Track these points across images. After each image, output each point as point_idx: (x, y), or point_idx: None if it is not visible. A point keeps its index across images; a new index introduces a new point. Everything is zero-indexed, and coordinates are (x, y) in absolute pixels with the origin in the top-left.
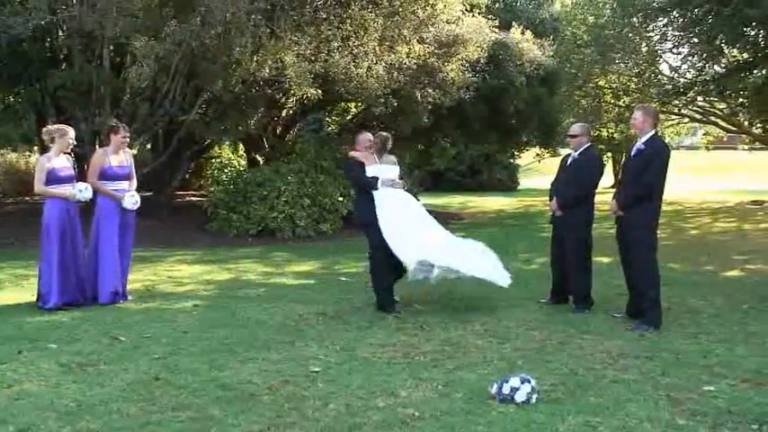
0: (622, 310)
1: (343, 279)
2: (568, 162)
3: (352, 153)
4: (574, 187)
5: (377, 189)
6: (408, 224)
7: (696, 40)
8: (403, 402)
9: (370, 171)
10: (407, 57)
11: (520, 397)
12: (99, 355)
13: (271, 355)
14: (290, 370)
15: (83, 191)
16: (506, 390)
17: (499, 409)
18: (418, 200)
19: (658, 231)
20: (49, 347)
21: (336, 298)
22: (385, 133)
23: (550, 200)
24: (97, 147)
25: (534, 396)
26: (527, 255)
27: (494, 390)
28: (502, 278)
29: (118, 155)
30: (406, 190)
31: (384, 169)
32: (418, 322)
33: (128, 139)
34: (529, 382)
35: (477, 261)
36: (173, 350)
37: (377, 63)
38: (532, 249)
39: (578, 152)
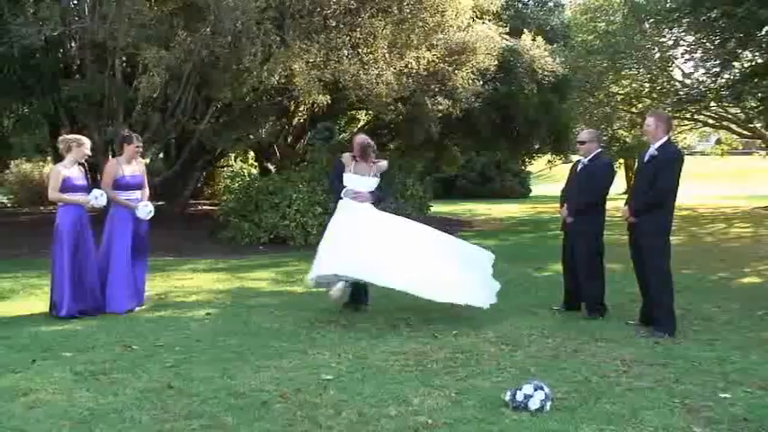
0: (636, 317)
1: None
2: (579, 168)
3: (345, 154)
4: (584, 194)
5: (340, 198)
6: (342, 239)
7: (709, 45)
8: (415, 410)
9: (345, 178)
10: (417, 63)
11: (533, 404)
12: (112, 364)
13: (283, 363)
14: (303, 378)
15: (98, 197)
16: (520, 397)
17: (512, 416)
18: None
19: (671, 237)
20: (63, 356)
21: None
22: (362, 138)
23: (561, 206)
24: (110, 156)
25: (548, 403)
26: (539, 261)
27: (507, 397)
28: (479, 299)
29: (131, 164)
30: (386, 206)
31: (355, 179)
32: (430, 330)
33: (141, 149)
34: (542, 389)
35: (446, 286)
36: (185, 358)
37: (386, 70)
38: (544, 256)
39: (588, 159)
